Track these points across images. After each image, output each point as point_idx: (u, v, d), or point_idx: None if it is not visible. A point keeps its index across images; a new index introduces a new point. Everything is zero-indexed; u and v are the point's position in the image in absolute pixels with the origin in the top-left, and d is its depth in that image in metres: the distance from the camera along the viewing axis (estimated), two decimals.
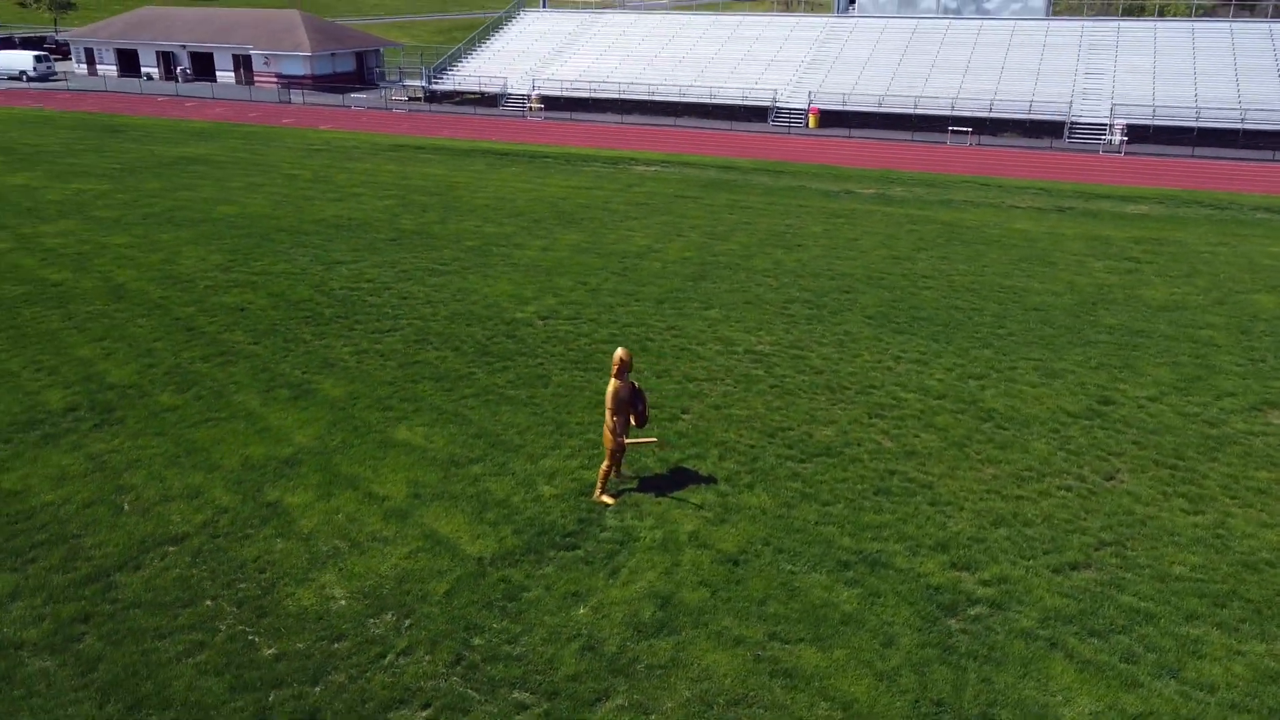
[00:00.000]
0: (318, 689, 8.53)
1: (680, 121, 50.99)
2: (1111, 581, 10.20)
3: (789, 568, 10.42)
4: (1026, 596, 9.94)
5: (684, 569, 10.37)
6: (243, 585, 10.02)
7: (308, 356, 16.33)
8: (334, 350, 16.65)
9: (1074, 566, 10.49)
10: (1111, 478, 12.51)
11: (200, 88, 64.54)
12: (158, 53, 69.31)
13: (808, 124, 49.28)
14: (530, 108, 54.99)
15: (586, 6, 68.94)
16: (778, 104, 50.63)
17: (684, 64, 56.10)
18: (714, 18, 61.80)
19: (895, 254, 23.75)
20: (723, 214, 28.17)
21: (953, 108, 47.47)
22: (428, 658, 8.94)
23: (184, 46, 67.97)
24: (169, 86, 65.49)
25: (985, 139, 46.02)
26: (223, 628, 9.33)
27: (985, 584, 10.16)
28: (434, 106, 57.08)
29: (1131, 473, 12.63)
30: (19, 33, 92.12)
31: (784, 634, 9.32)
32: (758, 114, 51.19)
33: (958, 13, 56.65)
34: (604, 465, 11.68)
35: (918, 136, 46.49)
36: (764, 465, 12.69)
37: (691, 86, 52.95)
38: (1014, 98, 47.43)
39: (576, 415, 14.14)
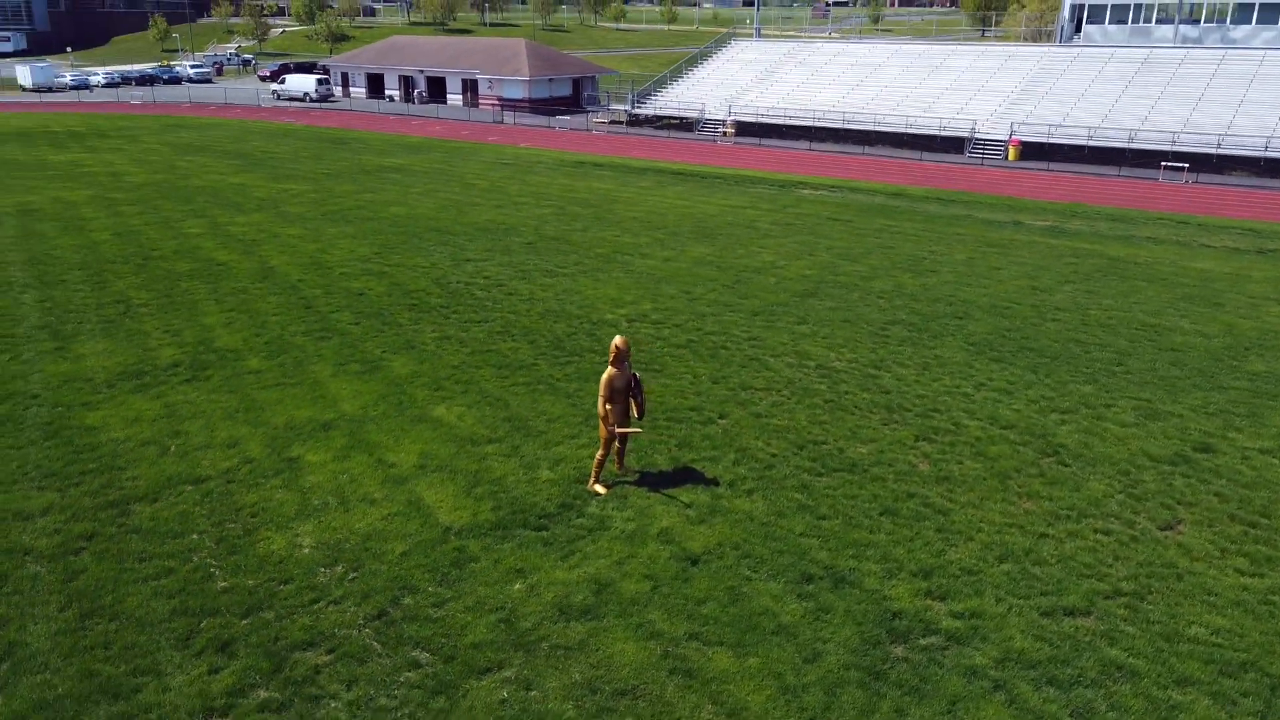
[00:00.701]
0: (245, 622, 9.01)
1: (871, 150, 49.70)
2: (1106, 633, 8.98)
3: (746, 573, 9.92)
4: (994, 635, 8.93)
5: (637, 561, 10.11)
6: (231, 526, 10.76)
7: (395, 338, 17.28)
8: (420, 335, 17.52)
9: (1069, 612, 9.32)
10: (1169, 527, 11.00)
11: (431, 109, 69.89)
12: (399, 77, 75.80)
13: (1006, 156, 46.58)
14: (723, 133, 55.47)
15: (797, 36, 68.70)
16: (976, 135, 48.22)
17: (886, 92, 54.71)
18: (924, 46, 59.92)
19: (1036, 285, 21.99)
20: (866, 237, 27.19)
21: (1173, 143, 43.31)
22: (354, 609, 9.23)
23: (421, 71, 73.93)
24: (405, 107, 71.38)
25: (1207, 177, 41.66)
26: (195, 560, 10.06)
27: (955, 616, 9.23)
28: (632, 130, 58.79)
29: (1196, 524, 11.05)
30: (296, 60, 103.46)
31: (706, 635, 8.88)
32: (954, 145, 48.98)
33: (1198, 41, 51.86)
34: (599, 454, 11.61)
35: (1126, 172, 42.80)
36: (776, 474, 12.15)
37: (888, 115, 51.51)
38: (1250, 133, 42.66)
39: None
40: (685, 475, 12.10)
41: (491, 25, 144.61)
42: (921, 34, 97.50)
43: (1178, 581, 9.87)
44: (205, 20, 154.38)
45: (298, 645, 8.67)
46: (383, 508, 11.18)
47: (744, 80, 61.03)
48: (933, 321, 18.90)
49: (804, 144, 52.07)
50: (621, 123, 61.39)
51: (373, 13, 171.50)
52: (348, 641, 8.73)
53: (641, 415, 11.72)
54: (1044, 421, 13.98)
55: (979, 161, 46.41)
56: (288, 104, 74.05)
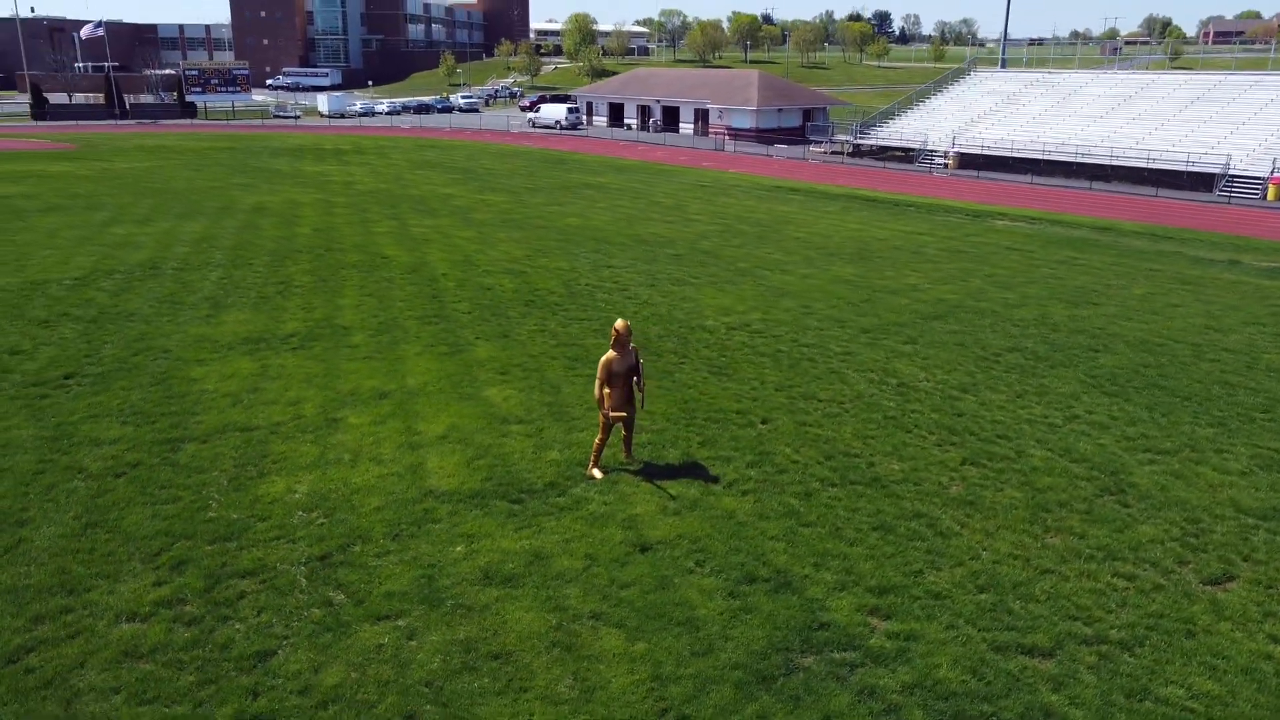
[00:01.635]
0: (210, 547, 9.76)
1: (1100, 186, 45.67)
2: (1056, 677, 7.80)
3: (689, 566, 9.50)
4: (921, 660, 8.00)
5: (586, 541, 9.96)
6: (250, 469, 11.66)
7: (495, 327, 18.01)
8: (519, 327, 18.14)
9: (1028, 650, 8.18)
10: (1215, 583, 9.37)
11: (660, 136, 72.06)
12: (638, 106, 78.85)
13: (1265, 195, 41.24)
14: (943, 164, 53.06)
15: (1042, 66, 64.58)
16: (1230, 171, 43.06)
17: (1130, 125, 50.18)
18: (1185, 77, 54.44)
19: (1212, 324, 19.35)
20: (1038, 268, 25.06)
21: None
22: (304, 549, 9.73)
23: (658, 101, 76.50)
24: (639, 134, 74.05)
25: None
26: (204, 493, 11.00)
27: (890, 636, 8.36)
28: (850, 160, 57.60)
29: (1250, 584, 9.33)
30: (554, 93, 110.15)
31: (609, 616, 8.60)
32: (1202, 182, 44.00)
33: None
34: (597, 438, 11.55)
35: None
36: (784, 479, 11.53)
37: (1129, 150, 47.15)
38: None
39: (658, 406, 13.95)
40: (690, 470, 11.76)
41: (752, 62, 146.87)
42: (1219, 69, 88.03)
43: (1185, 639, 8.38)
44: (489, 59, 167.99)
45: (238, 573, 9.26)
46: (385, 467, 11.69)
47: (975, 111, 58.16)
48: (1060, 351, 17.13)
49: (1027, 178, 48.74)
50: (841, 153, 60.35)
51: (647, 51, 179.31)
52: (281, 576, 9.21)
53: (642, 404, 11.55)
54: (1126, 459, 12.31)
55: (1227, 200, 41.41)
56: (542, 131, 78.98)
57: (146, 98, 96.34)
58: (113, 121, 78.35)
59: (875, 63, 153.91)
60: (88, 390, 14.19)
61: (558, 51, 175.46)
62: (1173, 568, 9.63)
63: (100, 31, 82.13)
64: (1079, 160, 48.07)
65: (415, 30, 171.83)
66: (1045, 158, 49.45)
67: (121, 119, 79.54)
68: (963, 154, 52.67)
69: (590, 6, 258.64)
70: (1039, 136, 51.27)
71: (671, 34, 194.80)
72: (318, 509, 10.60)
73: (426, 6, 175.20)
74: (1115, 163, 46.76)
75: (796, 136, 70.18)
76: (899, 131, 58.42)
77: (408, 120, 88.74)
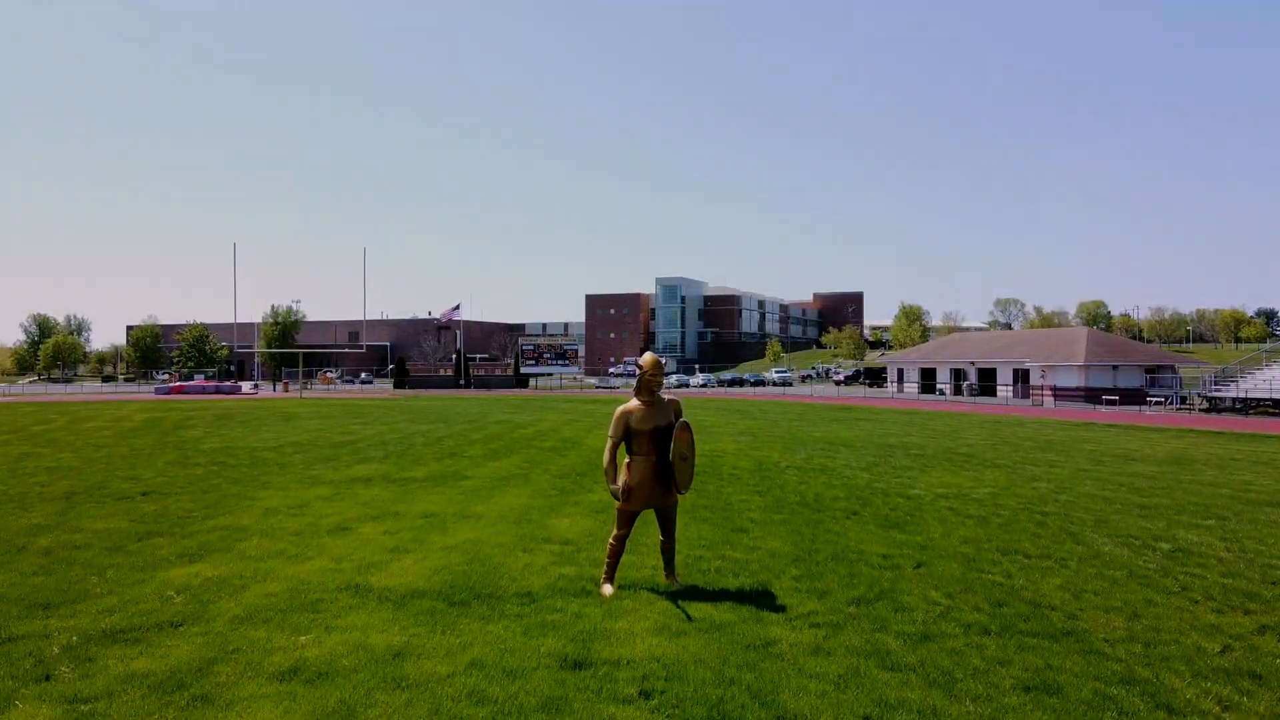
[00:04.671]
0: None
1: None
2: None
3: (629, 693, 5.29)
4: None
5: (503, 651, 6.07)
6: (230, 544, 9.14)
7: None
8: (701, 486, 14.67)
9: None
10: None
11: (974, 400, 66.20)
12: (950, 369, 74.03)
13: None
14: None
15: None
16: None
17: None
18: None
19: None
20: None
21: None
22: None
23: (972, 363, 71.33)
24: (950, 398, 68.78)
25: None
26: (162, 548, 8.57)
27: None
28: (1204, 413, 48.39)
29: None
30: (869, 366, 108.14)
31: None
32: None
33: None
34: (612, 535, 7.78)
35: None
36: (893, 617, 6.93)
37: None
38: None
39: (768, 541, 9.74)
40: (749, 596, 7.47)
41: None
42: None
43: None
44: (818, 350, 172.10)
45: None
46: (315, 563, 8.65)
47: None
48: None
49: None
50: (1190, 408, 51.15)
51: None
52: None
53: (683, 488, 7.70)
54: None
55: None
56: (836, 394, 76.67)
57: (483, 371, 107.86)
58: (456, 389, 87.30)
59: (1255, 343, 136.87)
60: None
61: (886, 346, 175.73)
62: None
63: (457, 314, 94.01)
64: None
65: (750, 323, 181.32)
66: None
67: (465, 387, 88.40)
68: None
69: (927, 301, 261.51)
70: None
71: (1009, 325, 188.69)
72: (184, 592, 7.68)
73: (761, 303, 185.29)
74: None
75: (1134, 397, 61.00)
76: (1271, 380, 48.64)
77: (710, 390, 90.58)
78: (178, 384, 71.35)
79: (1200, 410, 49.98)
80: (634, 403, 7.68)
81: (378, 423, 31.56)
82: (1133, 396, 59.48)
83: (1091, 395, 59.76)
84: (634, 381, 7.42)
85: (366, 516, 11.43)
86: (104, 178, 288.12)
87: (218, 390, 69.61)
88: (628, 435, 7.63)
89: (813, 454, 20.75)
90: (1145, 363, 62.82)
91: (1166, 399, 54.50)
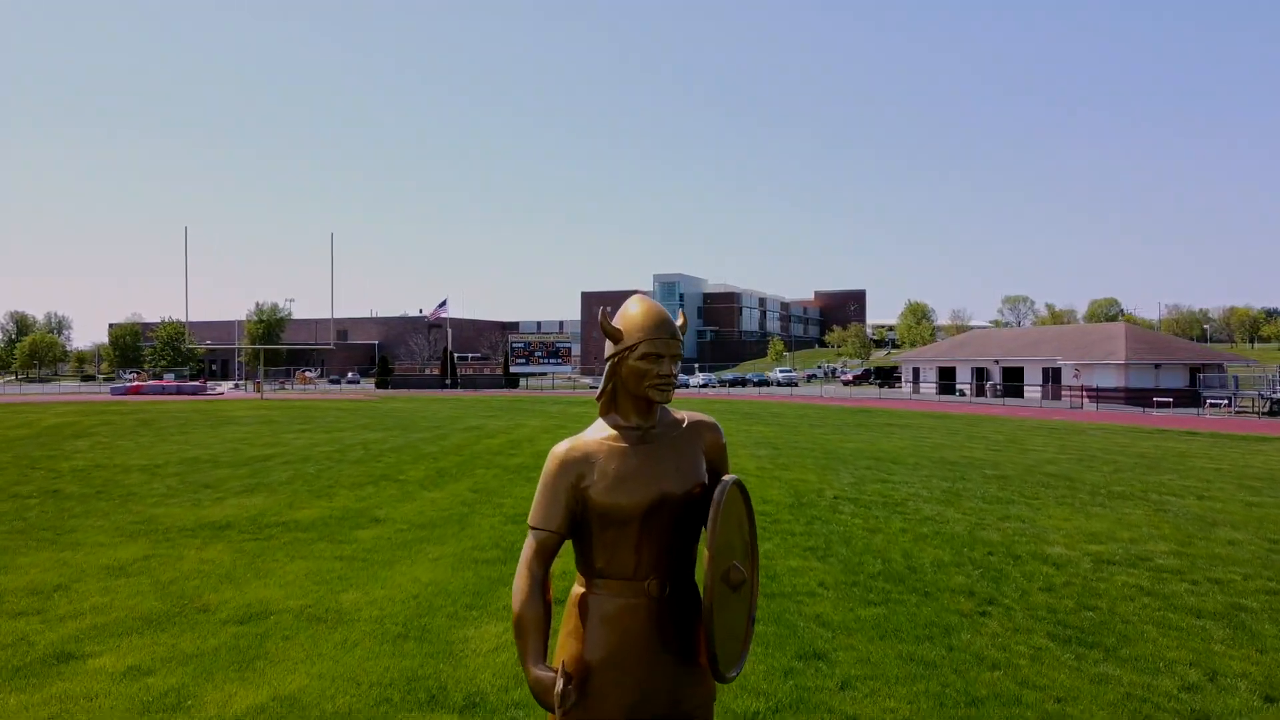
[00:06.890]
0: None
1: None
2: None
3: None
4: None
5: None
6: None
7: None
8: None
9: None
10: None
11: (999, 401, 61.14)
12: (971, 369, 68.85)
13: None
14: None
15: None
16: None
17: None
18: None
19: None
20: None
21: None
22: None
23: (996, 361, 66.18)
24: (971, 400, 63.73)
25: None
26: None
27: None
28: (1266, 417, 43.39)
29: None
30: (878, 367, 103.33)
31: None
32: None
33: None
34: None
35: None
36: None
37: None
38: None
39: (888, 699, 4.79)
40: None
41: None
42: None
43: None
44: (821, 349, 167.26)
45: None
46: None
47: None
48: None
49: None
50: (1254, 411, 46.11)
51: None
52: None
53: (730, 666, 2.69)
54: None
55: None
56: (847, 394, 71.63)
57: (471, 370, 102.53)
58: (440, 389, 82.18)
59: (1268, 343, 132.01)
60: None
61: (893, 345, 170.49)
62: None
63: (444, 312, 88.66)
64: None
65: (750, 321, 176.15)
66: None
67: (451, 388, 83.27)
68: None
69: (931, 299, 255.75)
70: None
71: (1018, 324, 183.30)
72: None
73: (761, 301, 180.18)
74: None
75: (1183, 398, 55.68)
76: None
77: (711, 390, 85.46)
78: (135, 384, 66.19)
79: (1262, 413, 44.94)
80: (599, 434, 2.76)
81: (320, 430, 26.57)
82: (1183, 398, 54.35)
83: (1133, 397, 54.64)
84: None
85: (146, 620, 6.49)
86: (104, 178, 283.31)
87: (179, 391, 64.47)
88: (581, 520, 2.70)
89: (862, 476, 15.76)
90: (1190, 361, 57.61)
91: (1228, 401, 49.34)
